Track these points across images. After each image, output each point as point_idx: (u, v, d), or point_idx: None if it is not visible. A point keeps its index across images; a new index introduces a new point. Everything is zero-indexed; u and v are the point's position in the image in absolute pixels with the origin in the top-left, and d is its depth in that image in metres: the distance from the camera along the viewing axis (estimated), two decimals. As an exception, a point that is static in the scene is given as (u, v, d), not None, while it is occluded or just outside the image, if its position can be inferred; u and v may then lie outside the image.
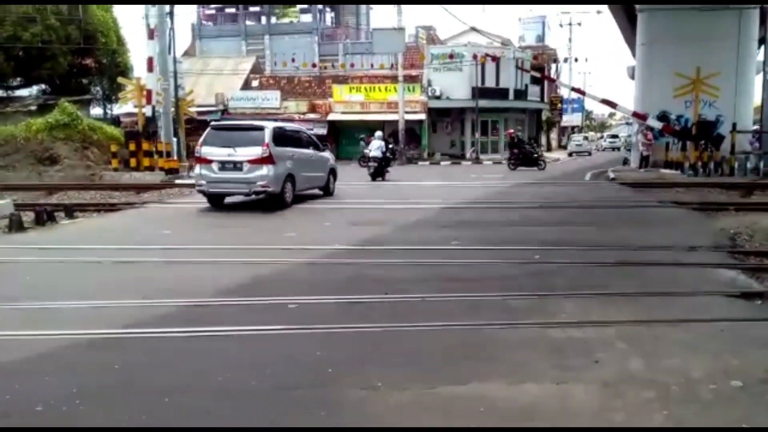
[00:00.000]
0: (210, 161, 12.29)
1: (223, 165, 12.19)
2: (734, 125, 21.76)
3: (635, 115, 24.96)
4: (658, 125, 23.54)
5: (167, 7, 21.87)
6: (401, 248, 8.36)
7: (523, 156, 26.00)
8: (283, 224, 10.77)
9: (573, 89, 36.32)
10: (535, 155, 26.49)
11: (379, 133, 22.08)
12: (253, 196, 12.54)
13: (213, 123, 14.91)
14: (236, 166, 12.14)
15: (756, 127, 23.06)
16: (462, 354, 4.43)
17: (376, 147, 20.60)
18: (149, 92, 20.84)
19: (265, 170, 12.11)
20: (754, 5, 23.16)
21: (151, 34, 21.20)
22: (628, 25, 31.18)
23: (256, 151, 12.10)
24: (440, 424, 3.45)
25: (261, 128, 12.65)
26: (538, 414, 3.54)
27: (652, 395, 3.74)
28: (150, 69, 20.98)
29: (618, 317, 5.22)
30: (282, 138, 12.94)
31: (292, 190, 12.90)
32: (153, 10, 21.17)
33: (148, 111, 20.92)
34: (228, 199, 13.15)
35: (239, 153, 12.13)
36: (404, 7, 35.13)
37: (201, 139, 12.74)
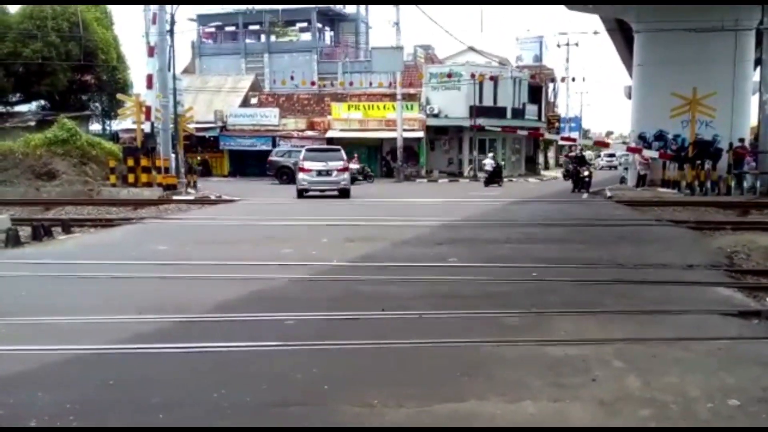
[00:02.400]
0: (310, 170, 19.74)
1: (319, 172, 19.75)
2: (731, 145, 21.84)
3: (630, 149, 24.96)
4: (654, 155, 23.49)
5: (167, 25, 21.99)
6: (398, 265, 8.35)
7: (575, 176, 23.99)
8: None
9: (563, 138, 36.66)
10: (583, 176, 23.50)
11: (491, 154, 31.70)
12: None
13: (307, 147, 23.64)
14: (328, 173, 19.75)
15: (737, 144, 22.78)
16: (459, 371, 4.41)
17: (489, 163, 29.28)
18: (148, 108, 20.89)
19: (345, 175, 19.99)
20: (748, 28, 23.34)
21: (150, 52, 21.30)
22: (624, 46, 31.46)
23: (339, 164, 19.95)
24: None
25: (339, 149, 21.48)
26: (534, 432, 3.52)
27: (649, 413, 3.72)
28: (149, 86, 21.06)
29: (615, 335, 5.21)
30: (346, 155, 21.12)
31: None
32: (153, 28, 21.30)
33: (147, 127, 20.97)
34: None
35: (329, 165, 19.78)
36: (403, 26, 35.48)
37: (301, 156, 20.53)
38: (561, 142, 46.42)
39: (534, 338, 5.12)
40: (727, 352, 4.81)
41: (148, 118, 20.86)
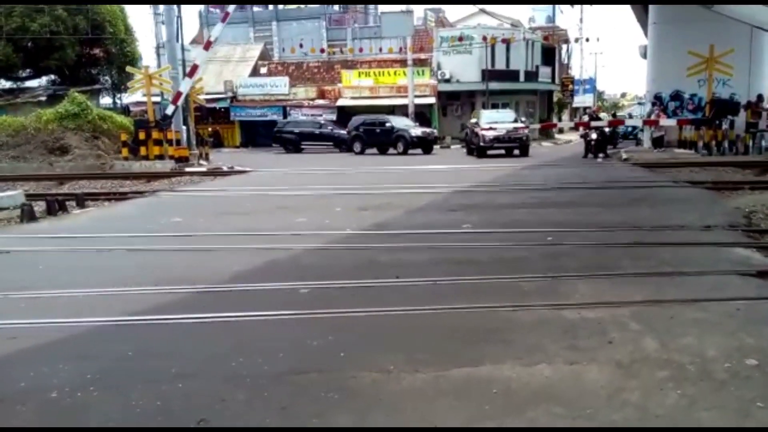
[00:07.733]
0: None
1: None
2: (748, 103, 21.43)
3: (646, 122, 24.48)
4: (672, 123, 23.02)
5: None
6: (412, 232, 8.34)
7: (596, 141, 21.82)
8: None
9: (578, 124, 36.04)
10: (590, 139, 22.06)
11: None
12: None
13: None
14: None
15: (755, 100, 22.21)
16: (475, 336, 4.41)
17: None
18: (179, 94, 20.65)
19: None
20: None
21: (207, 46, 21.43)
22: (640, 4, 30.72)
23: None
24: (453, 407, 3.44)
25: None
26: (551, 395, 3.51)
27: (666, 375, 3.70)
28: (191, 75, 20.90)
29: (632, 297, 5.18)
30: None
31: None
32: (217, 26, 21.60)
33: (170, 110, 20.79)
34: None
35: None
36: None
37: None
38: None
39: (550, 302, 5.10)
40: (745, 313, 4.77)
41: (175, 102, 20.68)
